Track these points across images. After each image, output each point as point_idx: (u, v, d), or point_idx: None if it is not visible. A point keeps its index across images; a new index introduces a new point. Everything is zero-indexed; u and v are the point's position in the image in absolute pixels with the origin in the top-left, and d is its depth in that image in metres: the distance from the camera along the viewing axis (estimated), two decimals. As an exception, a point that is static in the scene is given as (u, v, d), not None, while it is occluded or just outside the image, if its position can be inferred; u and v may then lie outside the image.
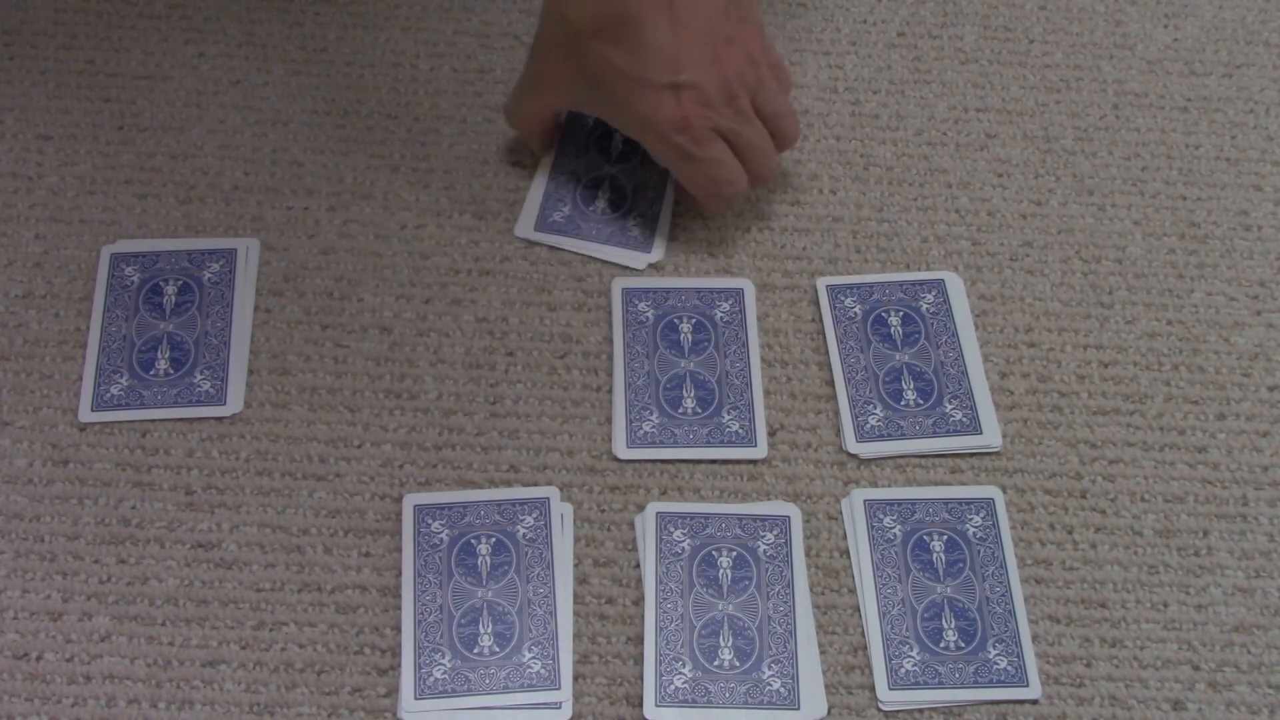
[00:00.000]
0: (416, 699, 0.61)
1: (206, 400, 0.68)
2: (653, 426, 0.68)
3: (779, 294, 0.73)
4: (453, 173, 0.77)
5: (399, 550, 0.65)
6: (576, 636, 0.63)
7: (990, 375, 0.71)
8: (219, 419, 0.68)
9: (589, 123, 0.77)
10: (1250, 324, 0.73)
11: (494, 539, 0.65)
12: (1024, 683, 0.62)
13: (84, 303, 0.71)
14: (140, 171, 0.76)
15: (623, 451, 0.68)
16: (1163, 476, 0.69)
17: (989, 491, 0.67)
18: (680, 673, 0.62)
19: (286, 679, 0.62)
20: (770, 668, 0.62)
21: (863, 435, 0.68)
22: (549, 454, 0.68)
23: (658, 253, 0.74)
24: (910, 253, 0.75)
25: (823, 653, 0.63)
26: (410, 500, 0.66)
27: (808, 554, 0.66)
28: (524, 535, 0.65)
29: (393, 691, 0.62)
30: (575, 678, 0.62)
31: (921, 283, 0.73)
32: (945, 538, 0.66)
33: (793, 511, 0.66)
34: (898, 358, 0.71)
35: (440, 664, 0.62)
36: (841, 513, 0.67)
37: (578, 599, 0.64)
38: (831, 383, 0.70)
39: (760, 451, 0.68)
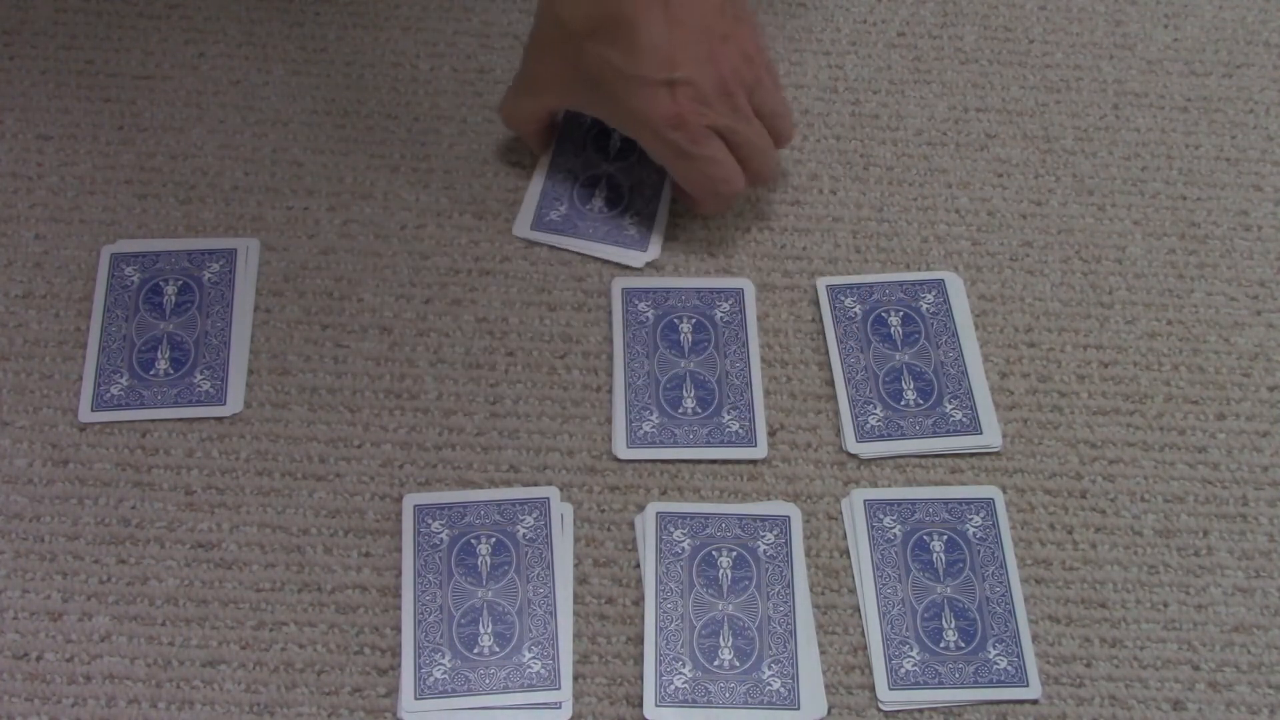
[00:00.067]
0: (416, 699, 0.61)
1: (206, 400, 0.68)
2: (653, 426, 0.68)
3: (779, 294, 0.73)
4: (453, 173, 0.77)
5: (399, 550, 0.65)
6: (576, 636, 0.63)
7: (990, 375, 0.71)
8: (219, 419, 0.68)
9: (587, 121, 0.77)
10: (1250, 324, 0.73)
11: (494, 539, 0.65)
12: (1024, 683, 0.62)
13: (84, 303, 0.71)
14: (140, 171, 0.76)
15: (623, 451, 0.68)
16: (1163, 476, 0.69)
17: (989, 491, 0.67)
18: (680, 673, 0.62)
19: (286, 679, 0.62)
20: (770, 668, 0.62)
21: (863, 435, 0.68)
22: (549, 454, 0.68)
23: (654, 251, 0.74)
24: (910, 253, 0.75)
25: (823, 653, 0.63)
26: (410, 500, 0.66)
27: (808, 554, 0.66)
28: (524, 535, 0.65)
29: (393, 691, 0.62)
30: (575, 678, 0.62)
31: (921, 283, 0.73)
32: (945, 538, 0.66)
33: (793, 511, 0.66)
34: (898, 358, 0.71)
35: (440, 664, 0.62)
36: (841, 513, 0.67)
37: (578, 599, 0.64)
38: (831, 383, 0.70)
39: (760, 451, 0.68)
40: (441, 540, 0.65)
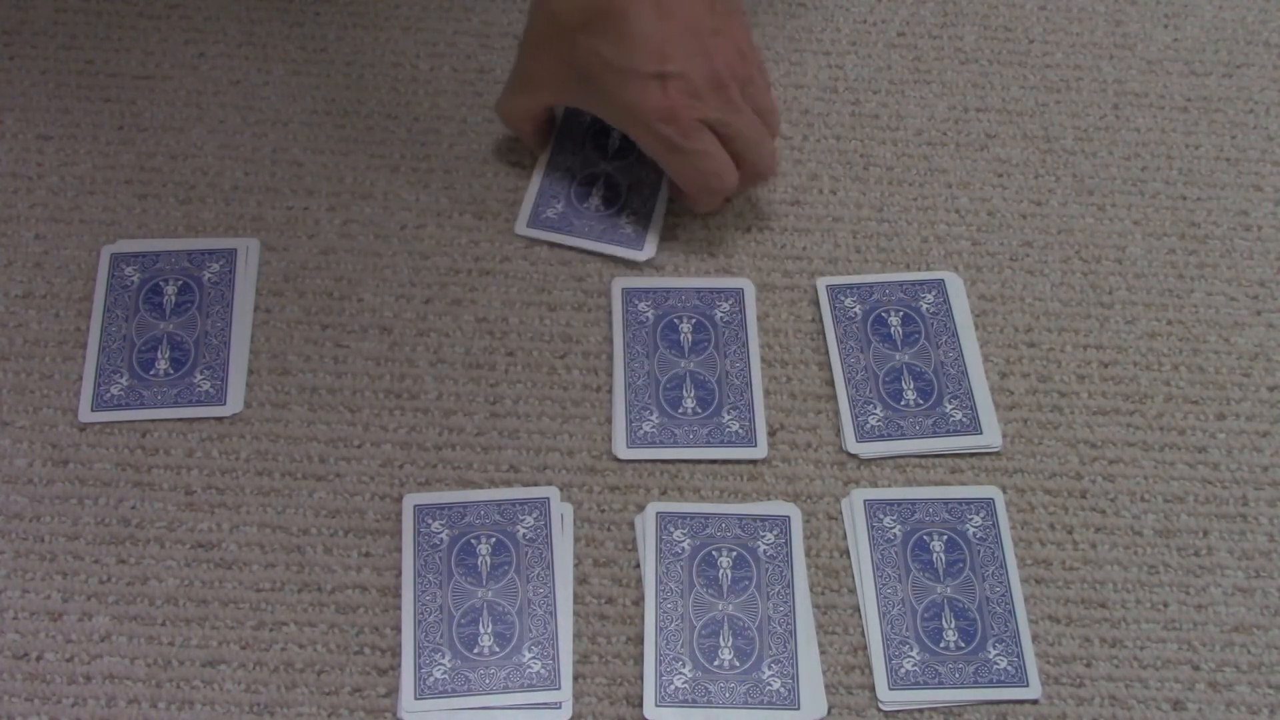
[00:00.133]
0: (416, 699, 0.61)
1: (206, 400, 0.68)
2: (653, 426, 0.68)
3: (779, 294, 0.73)
4: (453, 173, 0.77)
5: (399, 550, 0.65)
6: (576, 636, 0.63)
7: (990, 375, 0.71)
8: (219, 419, 0.68)
9: (586, 119, 0.77)
10: (1250, 324, 0.73)
11: (494, 539, 0.65)
12: (1024, 683, 0.62)
13: (84, 303, 0.71)
14: (140, 171, 0.76)
15: (623, 451, 0.68)
16: (1163, 476, 0.69)
17: (989, 491, 0.67)
18: (680, 673, 0.62)
19: (286, 679, 0.62)
20: (770, 668, 0.62)
21: (863, 435, 0.68)
22: (549, 454, 0.68)
23: (650, 251, 0.74)
24: (910, 253, 0.75)
25: (823, 653, 0.63)
26: (410, 500, 0.66)
27: (808, 554, 0.66)
28: (524, 535, 0.65)
29: (393, 691, 0.62)
30: (575, 678, 0.62)
31: (921, 283, 0.73)
32: (945, 538, 0.66)
33: (793, 511, 0.66)
34: (898, 358, 0.71)
35: (440, 664, 0.62)
36: (841, 513, 0.67)
37: (578, 599, 0.64)
38: (831, 383, 0.70)
39: (760, 451, 0.68)
40: (441, 540, 0.65)
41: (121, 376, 0.69)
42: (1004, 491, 0.67)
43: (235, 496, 0.66)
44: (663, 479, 0.67)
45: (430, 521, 0.65)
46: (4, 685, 0.61)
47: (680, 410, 0.69)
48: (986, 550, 0.66)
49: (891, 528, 0.66)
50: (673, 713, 0.61)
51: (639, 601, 0.64)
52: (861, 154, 0.78)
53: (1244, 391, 0.71)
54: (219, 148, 0.77)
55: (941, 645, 0.63)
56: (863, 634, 0.64)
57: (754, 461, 0.68)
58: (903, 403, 0.69)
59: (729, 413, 0.69)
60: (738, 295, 0.72)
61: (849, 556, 0.66)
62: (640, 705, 0.61)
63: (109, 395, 0.68)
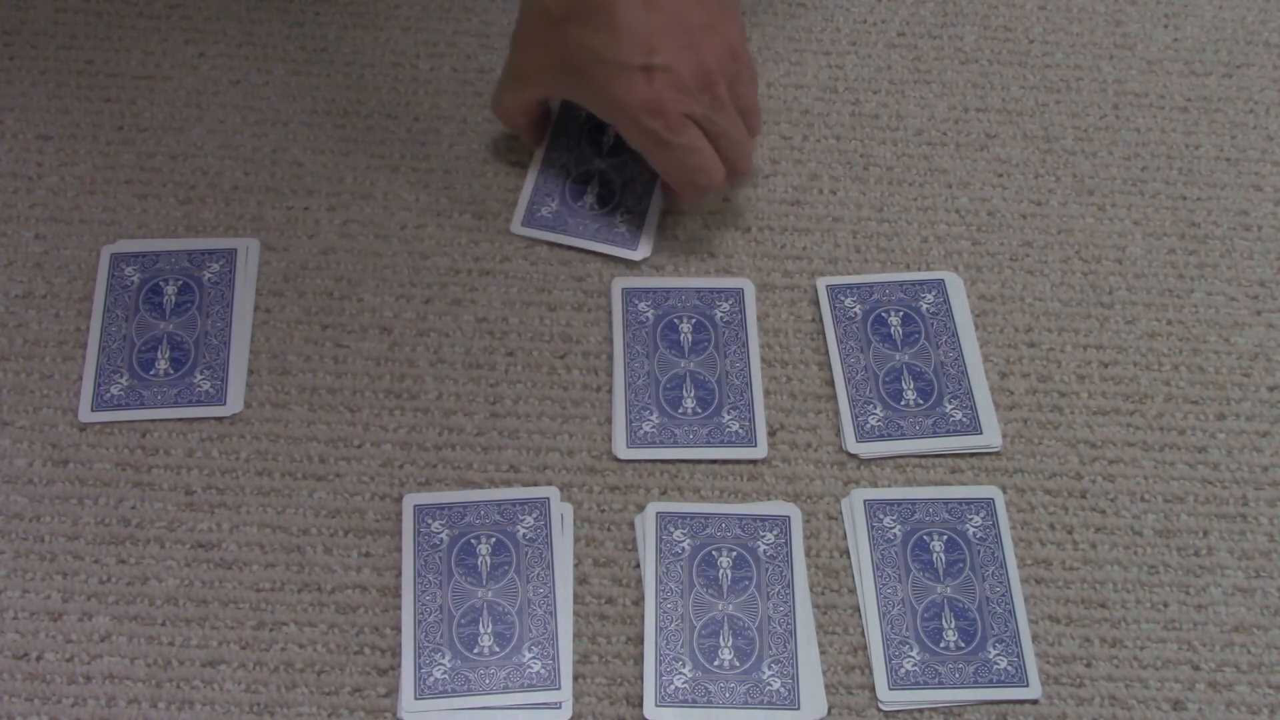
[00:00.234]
0: (416, 699, 0.61)
1: (206, 400, 0.68)
2: (653, 426, 0.68)
3: (779, 294, 0.73)
4: (453, 173, 0.77)
5: (399, 550, 0.65)
6: (576, 636, 0.63)
7: (990, 375, 0.71)
8: (219, 419, 0.68)
9: (581, 116, 0.77)
10: (1250, 324, 0.73)
11: (494, 539, 0.65)
12: (1024, 683, 0.62)
13: (84, 303, 0.71)
14: (140, 171, 0.76)
15: (623, 451, 0.68)
16: (1163, 476, 0.69)
17: (989, 491, 0.67)
18: (680, 673, 0.62)
19: (286, 679, 0.62)
20: (770, 668, 0.62)
21: (863, 435, 0.68)
22: (549, 454, 0.68)
23: (645, 250, 0.73)
24: (910, 253, 0.75)
25: (823, 653, 0.63)
26: (410, 500, 0.66)
27: (808, 554, 0.66)
28: (524, 535, 0.65)
29: (393, 691, 0.62)
30: (575, 678, 0.62)
31: (921, 283, 0.73)
32: (945, 538, 0.66)
33: (793, 511, 0.66)
34: (898, 358, 0.71)
35: (440, 664, 0.62)
36: (841, 513, 0.67)
37: (578, 599, 0.64)
38: (831, 383, 0.70)
39: (760, 451, 0.68)
40: (441, 540, 0.65)
41: (121, 376, 0.69)
42: (1004, 491, 0.67)
43: (235, 496, 0.66)
44: (663, 479, 0.67)
45: (430, 521, 0.65)
46: (4, 685, 0.61)
47: (680, 410, 0.69)
48: (986, 550, 0.66)
49: (891, 528, 0.66)
50: (673, 713, 0.61)
51: (639, 601, 0.64)
52: (861, 154, 0.78)
53: (1244, 391, 0.71)
54: (219, 148, 0.77)
55: (941, 645, 0.63)
56: (863, 634, 0.64)
57: (754, 461, 0.68)
58: (903, 403, 0.69)
59: (729, 413, 0.69)
60: (738, 295, 0.72)
61: (849, 556, 0.66)
62: (640, 705, 0.61)
63: (109, 395, 0.68)
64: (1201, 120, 0.81)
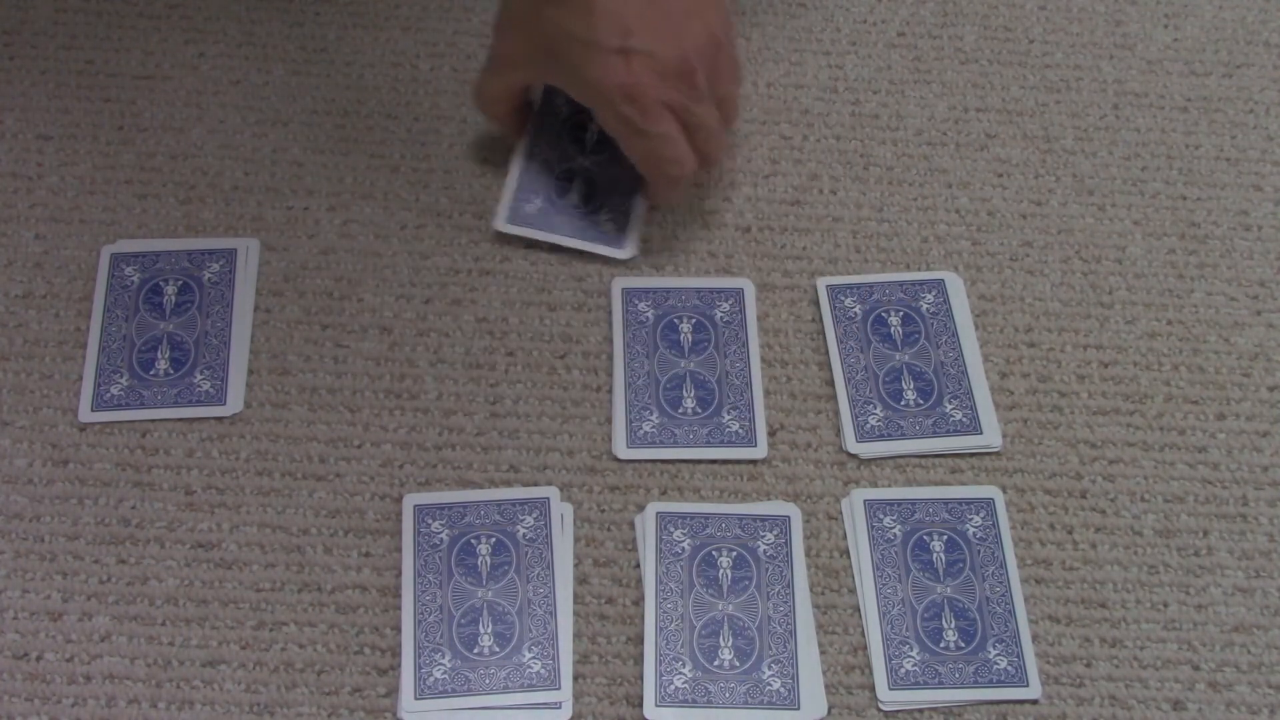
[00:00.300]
0: (416, 699, 0.61)
1: (206, 400, 0.68)
2: (653, 426, 0.68)
3: (779, 294, 0.73)
4: (453, 173, 0.77)
5: (399, 550, 0.65)
6: (576, 636, 0.63)
7: (990, 375, 0.71)
8: (219, 419, 0.68)
9: (563, 111, 0.76)
10: (1250, 324, 0.73)
11: (494, 539, 0.65)
12: (1024, 683, 0.62)
13: (84, 303, 0.71)
14: (140, 171, 0.76)
15: (623, 451, 0.68)
16: (1163, 476, 0.69)
17: (989, 491, 0.67)
18: (680, 673, 0.62)
19: (286, 679, 0.62)
20: (770, 668, 0.62)
21: (863, 435, 0.68)
22: (549, 454, 0.68)
23: (631, 249, 0.73)
24: (910, 253, 0.75)
25: (823, 653, 0.63)
26: (410, 500, 0.66)
27: (808, 554, 0.66)
28: (524, 535, 0.65)
29: (393, 691, 0.62)
30: (575, 678, 0.62)
31: (921, 283, 0.73)
32: (945, 538, 0.66)
33: (793, 511, 0.66)
34: (898, 358, 0.71)
35: (440, 664, 0.62)
36: (841, 513, 0.67)
37: (578, 599, 0.64)
38: (831, 383, 0.70)
39: (760, 451, 0.68)
40: (441, 540, 0.65)
41: (121, 376, 0.69)
42: (1004, 491, 0.67)
43: (235, 496, 0.66)
44: (663, 479, 0.67)
45: (430, 521, 0.65)
46: (4, 685, 0.61)
47: (680, 410, 0.69)
48: (986, 550, 0.66)
49: (891, 528, 0.66)
50: (673, 713, 0.61)
51: (639, 601, 0.64)
52: (861, 154, 0.78)
53: (1244, 391, 0.71)
54: (219, 148, 0.77)
55: (941, 645, 0.63)
56: (863, 634, 0.64)
57: (754, 461, 0.68)
58: (903, 403, 0.69)
59: (729, 413, 0.69)
60: (738, 295, 0.72)
61: (849, 556, 0.66)
62: (640, 705, 0.61)
63: (109, 395, 0.68)
64: (1201, 120, 0.81)
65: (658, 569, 0.64)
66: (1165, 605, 0.65)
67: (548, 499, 0.66)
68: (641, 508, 0.66)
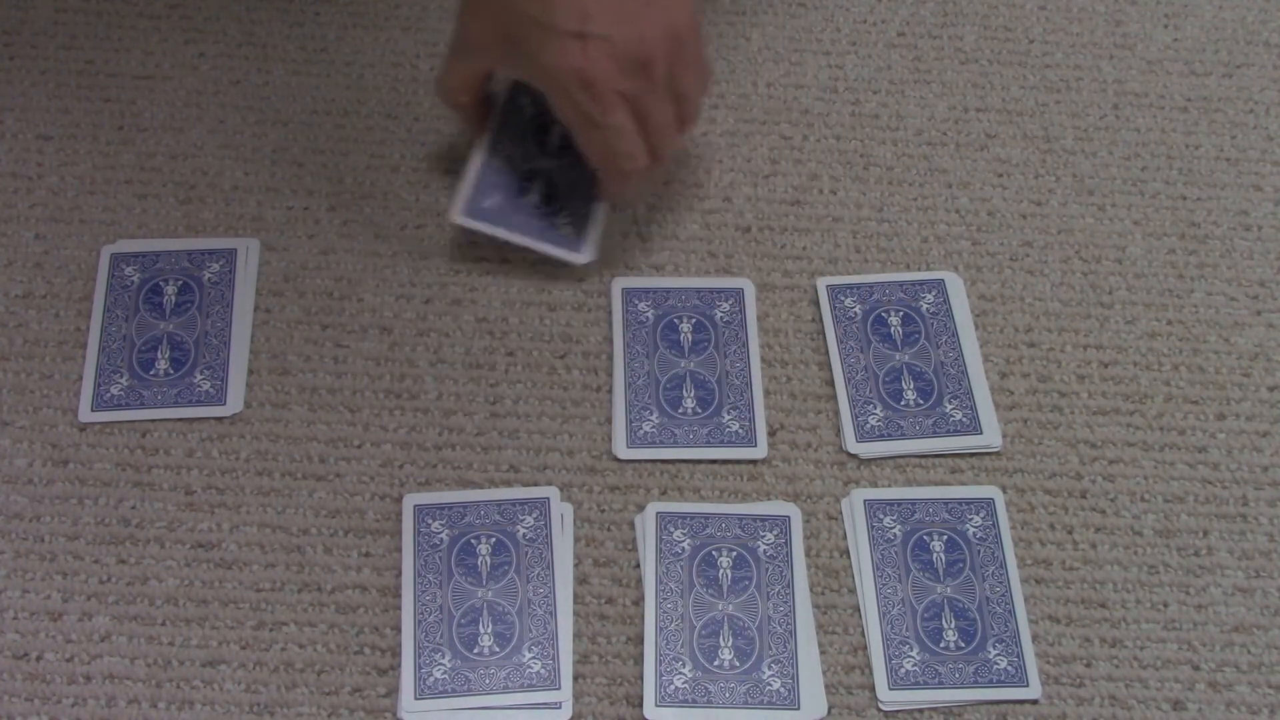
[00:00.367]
0: (416, 699, 0.61)
1: (206, 400, 0.68)
2: (653, 426, 0.68)
3: (779, 294, 0.73)
4: (452, 173, 0.77)
5: (399, 550, 0.65)
6: (576, 636, 0.63)
7: (990, 375, 0.71)
8: (219, 419, 0.68)
9: (528, 111, 0.75)
10: (1250, 324, 0.73)
11: (494, 539, 0.65)
12: (1024, 683, 0.62)
13: (84, 303, 0.71)
14: (140, 171, 0.76)
15: (623, 451, 0.68)
16: (1163, 476, 0.69)
17: (989, 491, 0.67)
18: (680, 673, 0.62)
19: (286, 679, 0.62)
20: (770, 668, 0.62)
21: (863, 435, 0.68)
22: (549, 454, 0.68)
23: (589, 254, 0.72)
24: (910, 253, 0.75)
25: (823, 653, 0.63)
26: (410, 500, 0.66)
27: (808, 554, 0.66)
28: (524, 535, 0.65)
29: (393, 691, 0.62)
30: (575, 678, 0.62)
31: (921, 283, 0.73)
32: (945, 538, 0.66)
33: (793, 511, 0.66)
34: (898, 358, 0.71)
35: (440, 664, 0.62)
36: (841, 513, 0.67)
37: (578, 599, 0.64)
38: (831, 383, 0.70)
39: (760, 451, 0.68)
40: (441, 540, 0.65)
41: (121, 376, 0.69)
42: (1004, 491, 0.67)
43: (235, 496, 0.66)
44: (663, 479, 0.67)
45: (430, 521, 0.65)
46: (4, 685, 0.61)
47: (680, 410, 0.69)
48: (986, 550, 0.66)
49: (891, 528, 0.66)
50: (673, 713, 0.61)
51: (639, 601, 0.64)
52: (861, 154, 0.78)
53: (1244, 391, 0.71)
54: (219, 148, 0.77)
55: (941, 645, 0.63)
56: (863, 634, 0.64)
57: (754, 461, 0.68)
58: (903, 403, 0.69)
59: (729, 413, 0.69)
60: (738, 295, 0.72)
61: (849, 556, 0.66)
62: (640, 705, 0.61)
63: (109, 395, 0.68)
64: (1201, 120, 0.81)
65: (658, 569, 0.64)
66: (1165, 605, 0.65)
67: (548, 499, 0.66)
68: (641, 508, 0.66)
